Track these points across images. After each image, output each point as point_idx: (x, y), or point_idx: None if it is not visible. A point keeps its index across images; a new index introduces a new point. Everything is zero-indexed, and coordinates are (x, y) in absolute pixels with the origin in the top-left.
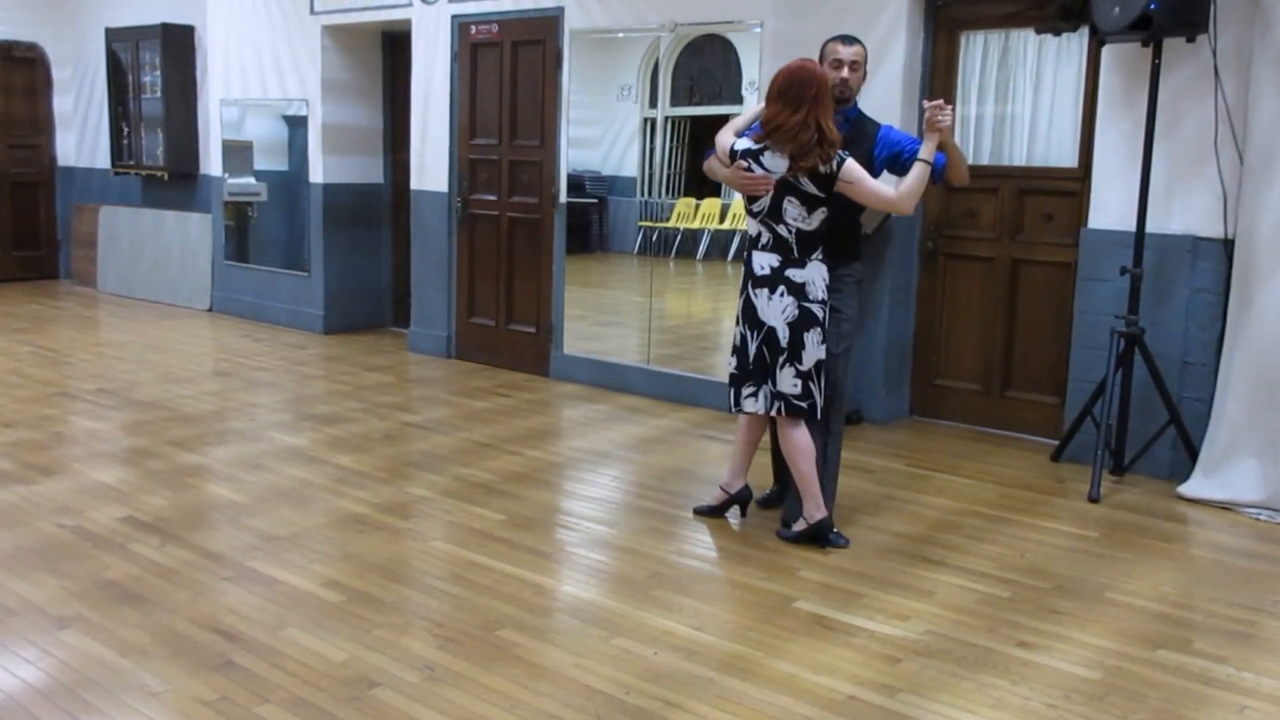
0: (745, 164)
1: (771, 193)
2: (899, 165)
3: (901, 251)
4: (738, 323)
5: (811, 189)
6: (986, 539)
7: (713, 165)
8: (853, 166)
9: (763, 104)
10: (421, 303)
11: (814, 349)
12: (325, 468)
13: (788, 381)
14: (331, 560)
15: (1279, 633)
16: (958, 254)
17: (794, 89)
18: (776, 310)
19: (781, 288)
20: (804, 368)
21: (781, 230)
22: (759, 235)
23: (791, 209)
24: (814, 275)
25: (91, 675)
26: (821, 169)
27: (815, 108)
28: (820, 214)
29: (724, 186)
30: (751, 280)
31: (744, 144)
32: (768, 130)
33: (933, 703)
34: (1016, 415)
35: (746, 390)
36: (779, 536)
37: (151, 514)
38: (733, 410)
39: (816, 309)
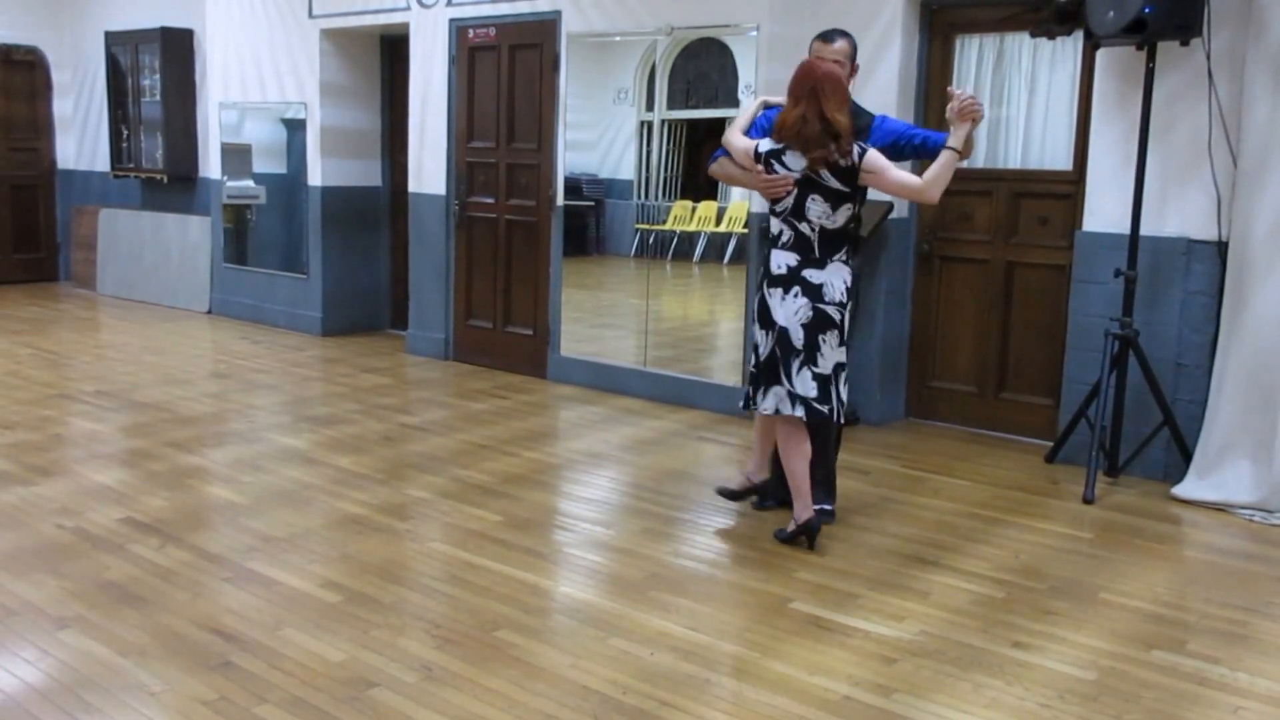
0: (768, 165)
1: (795, 191)
2: (897, 152)
3: (897, 254)
4: (754, 321)
5: (835, 183)
6: (981, 540)
7: (726, 168)
8: (875, 157)
9: (757, 101)
10: (419, 305)
11: (832, 352)
12: (324, 469)
13: (807, 384)
14: (330, 561)
15: (1272, 633)
16: (953, 256)
17: (795, 86)
18: (789, 311)
19: (796, 288)
20: (821, 370)
21: (804, 228)
22: (780, 233)
23: (815, 206)
24: (832, 277)
25: (91, 675)
26: (841, 162)
27: (814, 100)
28: (846, 210)
29: (720, 188)
30: (767, 279)
31: (767, 145)
32: (775, 130)
33: (928, 703)
34: (1011, 417)
35: (759, 390)
36: (775, 538)
37: (151, 515)
38: (741, 408)
39: (834, 311)
